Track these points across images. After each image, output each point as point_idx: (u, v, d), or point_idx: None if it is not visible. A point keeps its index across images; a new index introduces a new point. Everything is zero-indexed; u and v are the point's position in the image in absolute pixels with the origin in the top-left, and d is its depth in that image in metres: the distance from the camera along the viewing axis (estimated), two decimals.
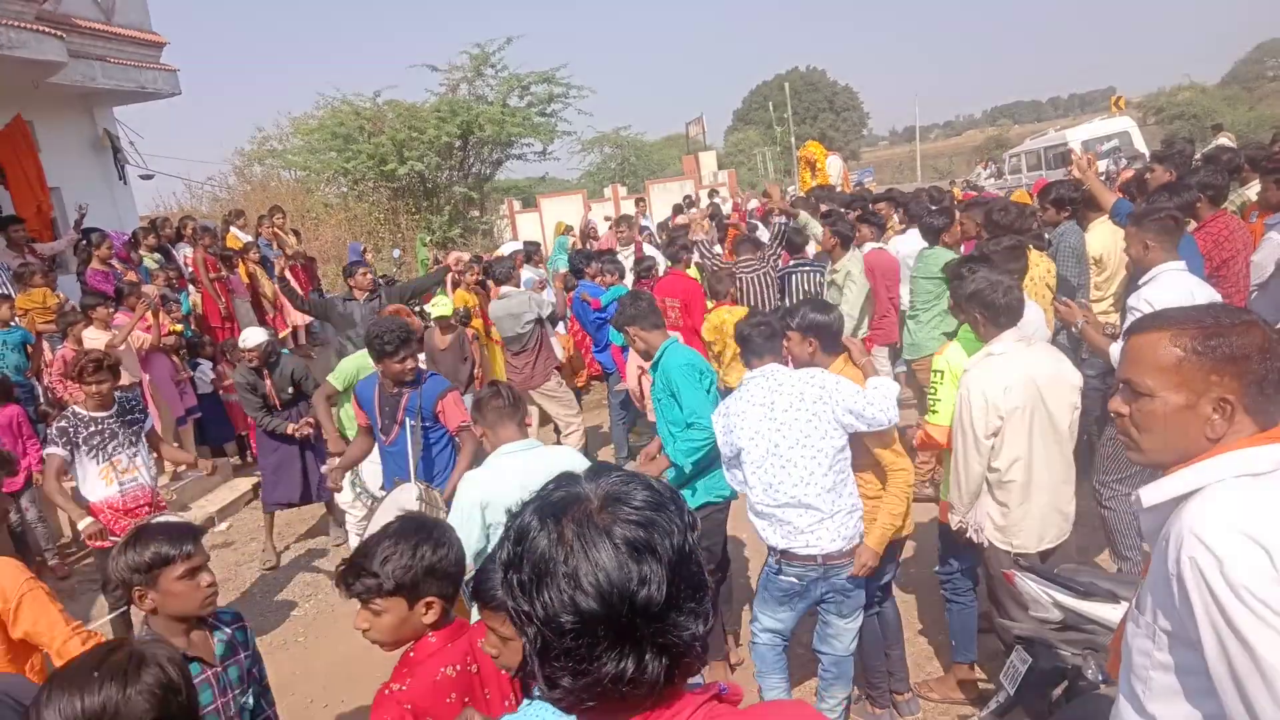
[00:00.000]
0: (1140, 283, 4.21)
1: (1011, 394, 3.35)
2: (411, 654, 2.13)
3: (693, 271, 8.13)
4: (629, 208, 20.31)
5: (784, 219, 7.70)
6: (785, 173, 35.57)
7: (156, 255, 9.85)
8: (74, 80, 10.15)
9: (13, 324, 7.37)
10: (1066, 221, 5.93)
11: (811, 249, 7.63)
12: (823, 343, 3.65)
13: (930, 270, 6.09)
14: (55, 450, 4.82)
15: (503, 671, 2.09)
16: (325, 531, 7.20)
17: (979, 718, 3.38)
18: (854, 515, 3.40)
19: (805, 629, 3.82)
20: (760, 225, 11.89)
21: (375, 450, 4.91)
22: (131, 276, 8.83)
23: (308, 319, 11.50)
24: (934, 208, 7.13)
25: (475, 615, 2.17)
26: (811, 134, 47.03)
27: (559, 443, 7.29)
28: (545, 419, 7.84)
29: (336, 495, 6.12)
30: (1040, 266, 5.31)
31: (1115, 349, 4.00)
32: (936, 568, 4.04)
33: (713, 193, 19.82)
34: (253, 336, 6.55)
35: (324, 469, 6.00)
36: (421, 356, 8.87)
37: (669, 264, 8.58)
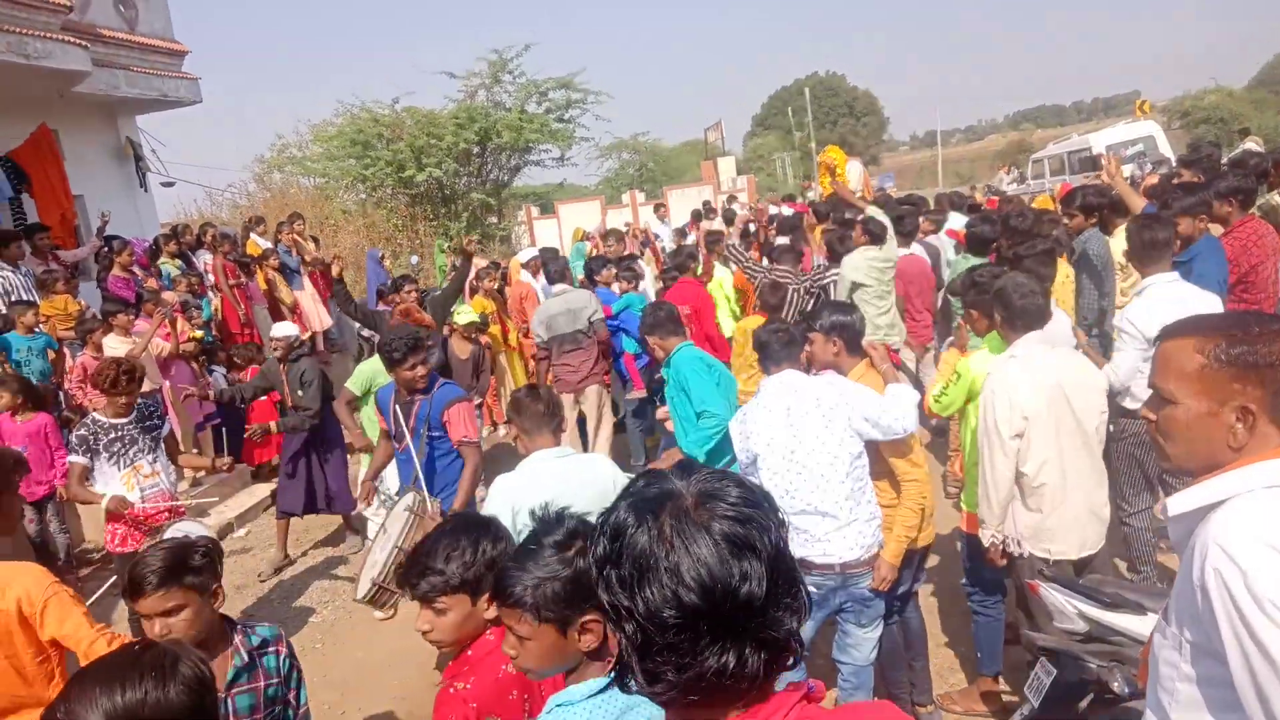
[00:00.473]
0: (1133, 293, 4.16)
1: (1035, 395, 3.32)
2: (470, 652, 2.13)
3: (724, 278, 8.12)
4: (647, 214, 20.33)
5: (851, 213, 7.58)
6: (805, 178, 35.48)
7: (177, 262, 9.94)
8: (98, 89, 10.29)
9: (37, 330, 7.44)
10: (1091, 228, 5.85)
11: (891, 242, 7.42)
12: (847, 344, 3.63)
13: None
14: (75, 458, 4.87)
15: (523, 673, 2.07)
16: (343, 538, 7.21)
17: None
18: (873, 523, 3.36)
19: (825, 638, 3.78)
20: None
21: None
22: (152, 283, 8.91)
23: (326, 324, 11.57)
24: (979, 215, 7.02)
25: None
26: (831, 139, 46.92)
27: (586, 444, 7.28)
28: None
29: (359, 504, 6.13)
30: (1060, 272, 5.26)
31: (1107, 368, 3.98)
32: (963, 580, 3.98)
33: (731, 199, 19.80)
34: (282, 329, 6.67)
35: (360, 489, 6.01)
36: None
37: (676, 272, 8.52)
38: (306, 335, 10.97)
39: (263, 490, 8.39)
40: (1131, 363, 3.97)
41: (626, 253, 10.65)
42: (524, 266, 10.41)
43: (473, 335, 7.47)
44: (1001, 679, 3.97)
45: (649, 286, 9.13)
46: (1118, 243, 5.61)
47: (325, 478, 6.69)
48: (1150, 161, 18.37)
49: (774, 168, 43.72)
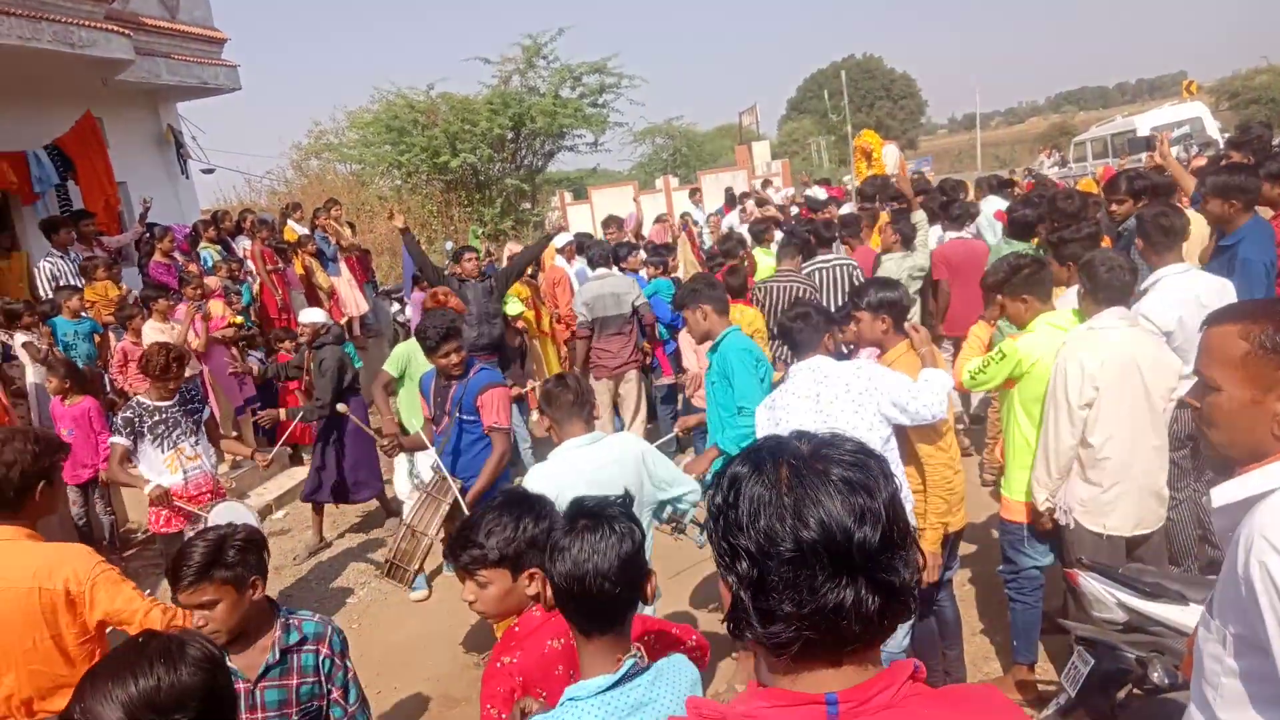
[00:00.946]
0: (1141, 288, 4.07)
1: (1108, 368, 3.29)
2: (516, 628, 2.17)
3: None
4: (682, 199, 20.25)
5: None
6: (841, 162, 35.11)
7: (217, 248, 10.09)
8: (140, 77, 10.45)
9: (82, 315, 7.61)
10: (1140, 210, 5.73)
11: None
12: (895, 321, 3.61)
13: None
14: (118, 440, 4.97)
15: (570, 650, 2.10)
16: (380, 522, 7.30)
17: (1040, 718, 3.28)
18: (905, 506, 3.33)
19: None
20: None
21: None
22: (193, 268, 9.06)
23: (362, 310, 11.67)
24: (1020, 199, 6.88)
25: None
26: (868, 123, 46.34)
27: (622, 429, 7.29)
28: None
29: (396, 485, 6.19)
30: None
31: None
32: (1000, 567, 3.94)
33: (766, 183, 19.64)
34: (309, 315, 6.75)
35: (400, 471, 6.05)
36: None
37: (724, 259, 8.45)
38: (343, 320, 11.10)
39: (301, 473, 8.51)
40: None
41: (660, 243, 10.62)
42: (558, 251, 10.42)
43: (517, 325, 7.55)
44: (1037, 668, 3.92)
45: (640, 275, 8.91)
46: None
47: (353, 465, 6.71)
48: (1197, 144, 17.95)
49: (809, 152, 43.30)
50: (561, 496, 3.08)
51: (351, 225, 13.50)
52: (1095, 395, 3.31)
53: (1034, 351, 3.60)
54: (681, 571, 5.40)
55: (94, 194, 9.89)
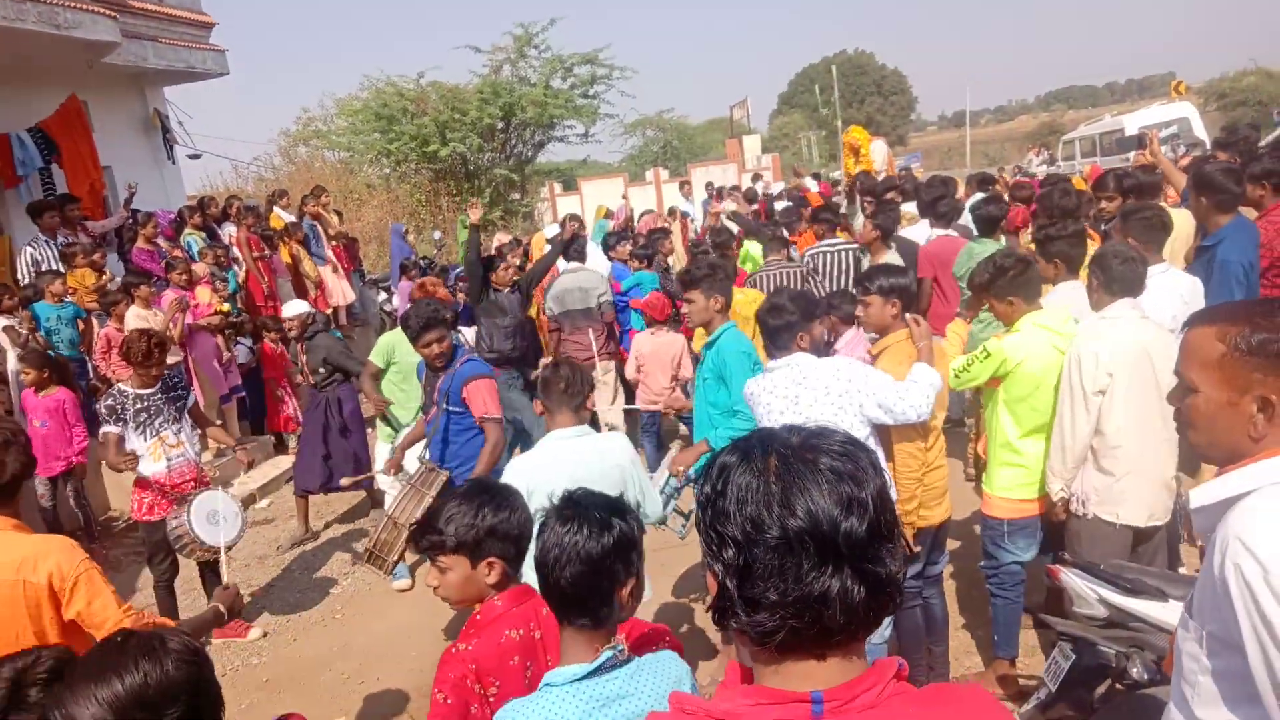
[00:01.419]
0: None
1: (1121, 356, 3.32)
2: (478, 616, 2.19)
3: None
4: (671, 191, 20.23)
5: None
6: (831, 157, 35.14)
7: (202, 234, 10.00)
8: (126, 60, 10.35)
9: (65, 299, 7.54)
10: (1125, 208, 5.77)
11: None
12: (904, 306, 3.61)
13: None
14: (110, 429, 4.93)
15: (529, 640, 2.13)
16: (365, 512, 7.28)
17: (1020, 714, 3.30)
18: None
19: None
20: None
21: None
22: (178, 254, 8.99)
23: (349, 299, 11.61)
24: (985, 195, 6.92)
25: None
26: (858, 118, 46.39)
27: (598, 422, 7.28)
28: None
29: (378, 477, 6.17)
30: (1091, 253, 5.20)
31: None
32: (982, 562, 3.96)
33: (756, 177, 19.64)
34: (293, 307, 6.69)
35: (383, 459, 6.03)
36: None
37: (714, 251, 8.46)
38: (327, 311, 11.04)
39: (285, 462, 8.47)
40: None
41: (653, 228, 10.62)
42: (548, 242, 10.38)
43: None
44: (1019, 663, 3.95)
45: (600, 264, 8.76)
46: None
47: (343, 455, 6.67)
48: (1185, 144, 18.01)
49: (799, 146, 43.32)
50: (541, 486, 3.10)
51: (339, 213, 13.43)
52: (1109, 382, 3.33)
53: (1019, 351, 3.61)
54: (664, 564, 5.41)
55: (79, 178, 9.79)
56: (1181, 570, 3.94)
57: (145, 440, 5.01)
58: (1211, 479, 1.64)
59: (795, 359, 3.44)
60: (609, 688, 1.77)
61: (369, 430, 7.01)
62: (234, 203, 11.04)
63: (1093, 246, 5.12)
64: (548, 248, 10.17)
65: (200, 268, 8.79)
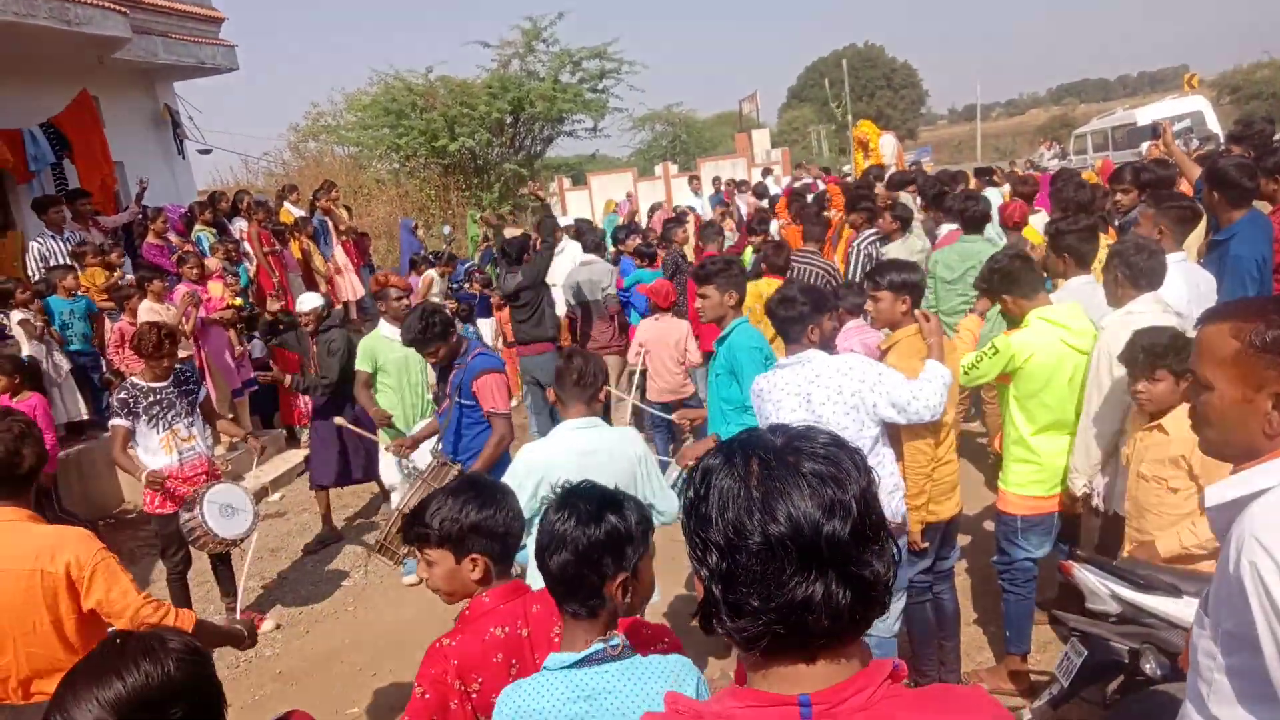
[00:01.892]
0: None
1: None
2: (467, 612, 2.20)
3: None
4: (680, 186, 20.19)
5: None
6: (840, 151, 35.01)
7: (213, 230, 10.04)
8: (137, 56, 10.37)
9: (77, 294, 7.58)
10: (1141, 203, 5.74)
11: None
12: (915, 300, 3.60)
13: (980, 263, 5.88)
14: (119, 421, 4.95)
15: (515, 639, 2.14)
16: (378, 507, 7.30)
17: (1031, 709, 3.29)
18: (895, 495, 3.34)
19: None
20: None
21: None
22: (190, 248, 9.02)
23: (359, 294, 11.64)
24: (965, 193, 6.90)
25: (535, 582, 2.18)
26: (868, 112, 46.20)
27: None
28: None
29: (383, 473, 6.18)
30: (1105, 248, 5.17)
31: None
32: (994, 558, 3.95)
33: (766, 171, 19.59)
34: (307, 301, 6.65)
35: (388, 447, 6.03)
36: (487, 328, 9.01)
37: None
38: (338, 306, 11.08)
39: (297, 456, 8.51)
40: None
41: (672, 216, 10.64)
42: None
43: None
44: (1030, 659, 3.94)
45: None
46: None
47: (355, 447, 6.65)
48: (1198, 138, 17.91)
49: (809, 140, 43.18)
50: (550, 474, 3.10)
51: (348, 208, 13.46)
52: None
53: (1026, 348, 3.59)
54: (674, 557, 5.41)
55: (90, 173, 9.83)
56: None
57: (158, 433, 5.03)
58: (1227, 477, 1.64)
59: (807, 356, 3.41)
60: (597, 680, 1.79)
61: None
62: (244, 197, 11.08)
63: (1107, 242, 5.10)
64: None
65: (212, 262, 8.82)
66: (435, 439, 5.04)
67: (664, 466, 3.87)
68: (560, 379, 3.34)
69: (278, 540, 6.93)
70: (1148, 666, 2.77)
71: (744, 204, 14.54)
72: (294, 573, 6.37)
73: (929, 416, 3.25)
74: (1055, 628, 4.06)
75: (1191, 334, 1.78)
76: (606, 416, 7.14)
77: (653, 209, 15.94)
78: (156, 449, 5.03)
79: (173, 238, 9.41)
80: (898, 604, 3.49)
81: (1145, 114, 20.69)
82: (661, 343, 6.61)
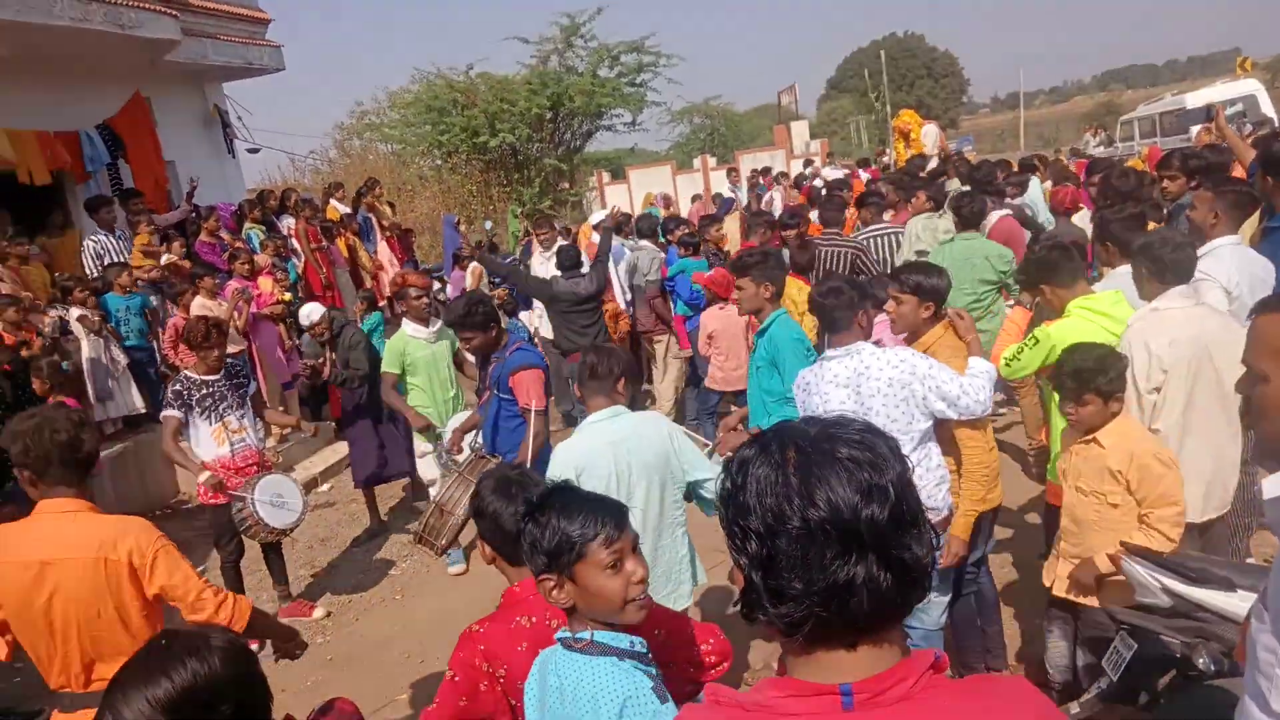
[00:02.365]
0: (1200, 253, 4.01)
1: (1177, 348, 3.24)
2: (504, 599, 2.25)
3: None
4: (719, 179, 20.13)
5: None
6: (881, 142, 34.63)
7: (262, 227, 10.24)
8: (187, 58, 10.59)
9: (132, 291, 7.79)
10: (1191, 191, 5.62)
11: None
12: (937, 306, 3.57)
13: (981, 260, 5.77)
14: (171, 412, 5.08)
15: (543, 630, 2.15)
16: (424, 496, 7.40)
17: (1079, 703, 3.26)
18: (941, 488, 3.32)
19: None
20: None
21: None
22: (240, 245, 9.22)
23: (393, 292, 11.80)
24: (963, 192, 6.78)
25: None
26: (908, 102, 45.55)
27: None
28: None
29: (422, 470, 6.25)
30: None
31: None
32: (1040, 554, 3.92)
33: (808, 162, 19.44)
34: (313, 312, 6.59)
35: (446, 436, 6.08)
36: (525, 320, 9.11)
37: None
38: (383, 302, 11.22)
39: (345, 448, 8.64)
40: None
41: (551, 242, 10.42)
42: (595, 228, 10.45)
43: None
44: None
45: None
46: None
47: (394, 441, 6.68)
48: (1251, 122, 17.42)
49: (848, 131, 42.75)
50: (587, 466, 3.15)
51: (391, 205, 13.63)
52: (1164, 379, 3.26)
53: (1067, 338, 3.54)
54: (717, 547, 5.43)
55: (143, 173, 10.08)
56: (1250, 561, 3.85)
57: (210, 425, 5.16)
58: None
59: (856, 347, 3.38)
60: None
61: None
62: (291, 195, 11.27)
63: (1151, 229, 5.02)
64: (594, 235, 10.26)
65: (262, 259, 9.01)
66: (475, 432, 5.12)
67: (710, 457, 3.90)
68: (580, 377, 3.38)
69: (327, 530, 7.08)
70: (1201, 661, 2.72)
71: (779, 196, 14.45)
72: (343, 562, 6.50)
73: (980, 411, 3.23)
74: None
75: (1245, 324, 1.75)
76: (632, 405, 7.19)
77: (694, 199, 15.91)
78: (209, 440, 5.16)
79: (224, 235, 9.61)
80: (944, 597, 3.48)
81: (1195, 99, 20.16)
82: (729, 331, 6.60)
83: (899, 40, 70.83)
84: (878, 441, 1.10)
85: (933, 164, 12.39)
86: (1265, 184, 4.58)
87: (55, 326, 6.86)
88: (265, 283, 8.63)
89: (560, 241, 8.87)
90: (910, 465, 1.12)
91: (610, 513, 1.89)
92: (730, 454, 3.85)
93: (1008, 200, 7.80)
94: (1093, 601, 3.20)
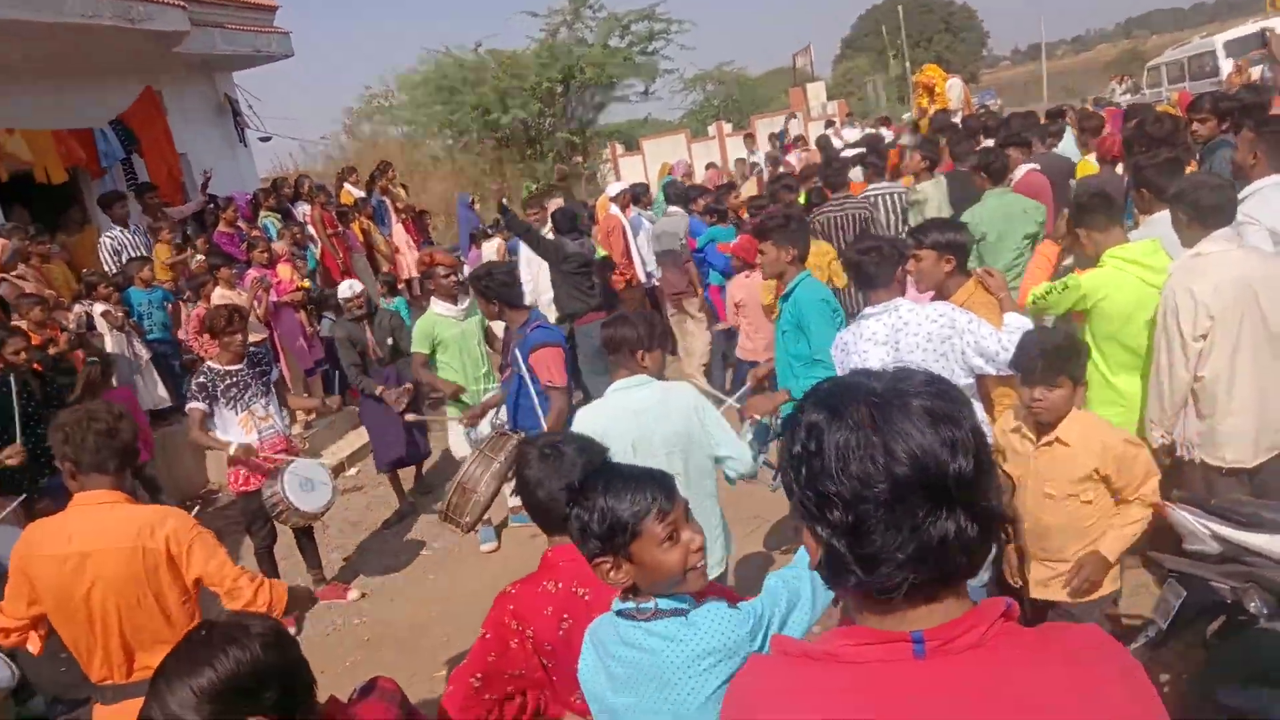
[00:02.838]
0: (1241, 196, 3.88)
1: (1222, 294, 3.14)
2: (541, 561, 2.26)
3: None
4: (735, 145, 19.90)
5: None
6: (899, 100, 34.10)
7: (277, 215, 10.24)
8: (196, 49, 10.56)
9: (153, 285, 7.82)
10: (1221, 134, 5.44)
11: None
12: (959, 261, 3.48)
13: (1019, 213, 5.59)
14: (196, 404, 5.11)
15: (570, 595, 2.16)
16: (451, 475, 7.40)
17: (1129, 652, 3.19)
18: None
19: None
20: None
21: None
22: (257, 233, 9.23)
23: (420, 271, 11.78)
24: (986, 147, 6.59)
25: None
26: (927, 58, 44.76)
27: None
28: None
29: (452, 445, 6.23)
30: None
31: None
32: None
33: (829, 123, 19.14)
34: (351, 287, 6.62)
35: (455, 434, 6.08)
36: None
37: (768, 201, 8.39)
38: (401, 285, 11.22)
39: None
40: None
41: (724, 183, 10.71)
42: (612, 200, 10.34)
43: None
44: (1122, 603, 3.82)
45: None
46: None
47: (408, 426, 6.56)
48: None
49: (865, 91, 42.11)
50: (607, 433, 3.10)
51: (405, 187, 13.59)
52: (1210, 325, 3.16)
53: (1099, 288, 3.46)
54: (757, 516, 5.39)
55: (157, 166, 10.10)
56: None
57: (236, 414, 5.17)
58: None
59: (894, 304, 3.32)
60: (633, 635, 1.80)
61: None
62: (304, 181, 11.26)
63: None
64: (612, 208, 10.17)
65: (279, 246, 9.01)
66: (497, 409, 5.10)
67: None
68: (605, 345, 3.35)
69: (357, 514, 7.10)
70: (1252, 605, 2.66)
71: (796, 160, 14.22)
72: (374, 544, 6.53)
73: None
74: (1150, 570, 3.93)
75: None
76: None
77: (708, 167, 15.72)
78: (237, 429, 5.17)
79: (242, 225, 9.63)
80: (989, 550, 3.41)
81: (1224, 40, 19.59)
82: (757, 299, 6.50)
83: None
84: (948, 390, 1.07)
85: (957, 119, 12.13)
86: None
87: (81, 322, 6.91)
88: (284, 270, 8.64)
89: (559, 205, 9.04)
90: (979, 413, 1.07)
91: (658, 484, 1.83)
92: (760, 417, 3.76)
93: (1046, 151, 7.61)
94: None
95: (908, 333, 3.22)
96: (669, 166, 15.19)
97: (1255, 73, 13.83)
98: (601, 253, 8.31)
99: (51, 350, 6.32)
